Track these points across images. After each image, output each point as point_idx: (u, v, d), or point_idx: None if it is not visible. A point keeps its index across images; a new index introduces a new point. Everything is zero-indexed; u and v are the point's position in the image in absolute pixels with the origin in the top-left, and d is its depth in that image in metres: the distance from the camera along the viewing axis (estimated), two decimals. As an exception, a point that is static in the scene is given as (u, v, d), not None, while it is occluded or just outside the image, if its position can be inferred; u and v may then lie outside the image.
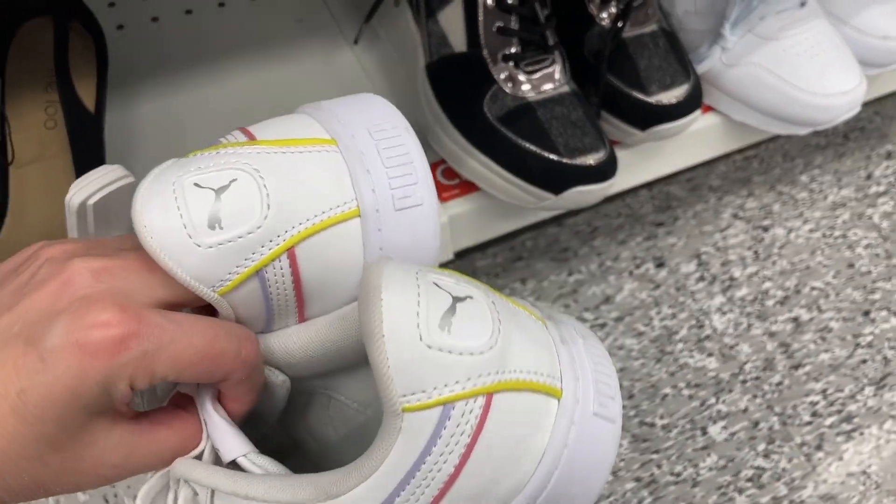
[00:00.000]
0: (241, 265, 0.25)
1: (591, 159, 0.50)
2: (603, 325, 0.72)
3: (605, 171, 0.51)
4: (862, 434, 0.67)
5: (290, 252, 0.26)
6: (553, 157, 0.50)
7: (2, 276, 0.27)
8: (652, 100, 0.55)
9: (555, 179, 0.50)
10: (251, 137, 0.27)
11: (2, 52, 0.51)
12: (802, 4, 0.60)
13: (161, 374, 0.25)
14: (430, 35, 0.54)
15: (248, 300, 0.26)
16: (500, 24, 0.52)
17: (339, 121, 0.28)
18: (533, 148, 0.50)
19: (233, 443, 0.27)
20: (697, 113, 0.57)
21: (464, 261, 0.75)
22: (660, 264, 0.76)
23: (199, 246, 0.25)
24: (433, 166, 0.58)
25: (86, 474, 0.26)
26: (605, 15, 0.56)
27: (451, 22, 0.53)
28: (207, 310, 0.27)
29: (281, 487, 0.25)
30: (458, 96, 0.53)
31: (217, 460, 0.27)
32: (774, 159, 0.85)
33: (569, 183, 0.50)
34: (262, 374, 0.28)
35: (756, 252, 0.77)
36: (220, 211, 0.25)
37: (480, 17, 0.52)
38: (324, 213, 0.26)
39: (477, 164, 0.53)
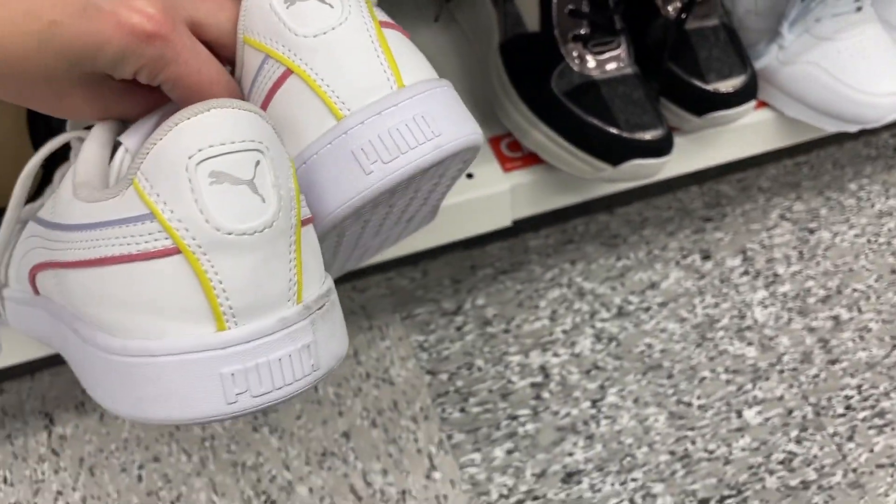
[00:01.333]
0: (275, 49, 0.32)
1: (648, 135, 0.54)
2: (647, 309, 0.75)
3: (662, 147, 0.55)
4: (893, 430, 0.69)
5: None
6: (613, 130, 0.54)
7: None
8: (710, 88, 0.59)
9: (614, 152, 0.54)
10: None
11: None
12: (859, 9, 0.63)
13: (161, 80, 0.29)
14: (506, 15, 0.59)
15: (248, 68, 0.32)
16: (571, 6, 0.56)
17: None
18: (595, 122, 0.54)
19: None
20: (752, 103, 0.60)
21: (518, 238, 0.79)
22: (706, 257, 0.79)
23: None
24: (497, 140, 0.63)
25: (66, 107, 0.30)
26: (670, 7, 0.60)
27: (527, 4, 0.57)
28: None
29: None
30: (528, 72, 0.58)
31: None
32: (824, 166, 0.87)
33: (626, 155, 0.54)
34: None
35: (801, 252, 0.80)
36: None
37: (554, 0, 0.56)
38: None
39: (541, 136, 0.57)
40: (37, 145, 0.52)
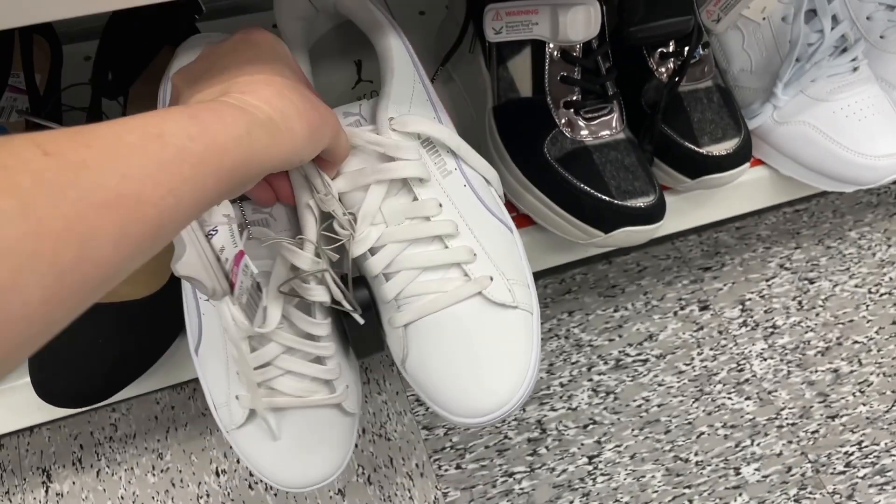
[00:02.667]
0: None
1: (640, 202, 0.54)
2: (645, 361, 0.75)
3: (654, 213, 0.55)
4: (895, 488, 0.68)
5: None
6: (605, 197, 0.54)
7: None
8: (703, 151, 0.59)
9: (605, 219, 0.54)
10: None
11: (133, 76, 0.57)
12: (855, 69, 0.63)
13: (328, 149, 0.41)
14: (500, 80, 0.59)
15: None
16: (563, 73, 0.56)
17: None
18: (587, 188, 0.55)
19: None
20: (746, 166, 0.60)
21: (515, 290, 0.79)
22: (704, 307, 0.79)
23: None
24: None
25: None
26: (662, 69, 0.61)
27: (520, 69, 0.58)
28: None
29: None
30: (520, 137, 0.58)
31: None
32: (825, 214, 0.87)
33: (618, 223, 0.54)
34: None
35: (800, 302, 0.79)
36: None
37: (546, 67, 0.56)
38: None
39: (534, 200, 0.57)
40: None
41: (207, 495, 0.65)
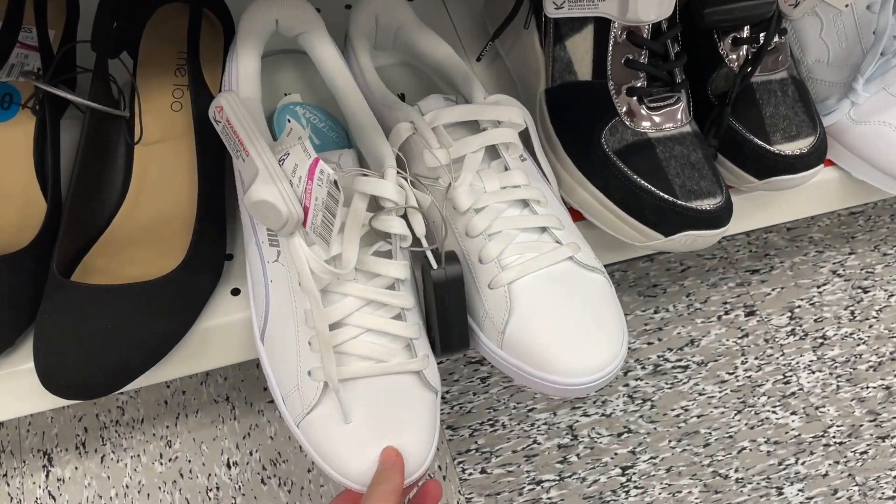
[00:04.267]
0: None
1: (706, 204, 0.50)
2: (685, 368, 0.70)
3: (720, 217, 0.50)
4: (948, 518, 0.64)
5: None
6: (668, 197, 0.49)
7: None
8: (774, 149, 0.54)
9: (667, 221, 0.50)
10: None
11: (137, 34, 0.53)
12: (945, 67, 0.57)
13: None
14: (555, 60, 0.54)
15: None
16: (629, 56, 0.51)
17: None
18: (648, 186, 0.50)
19: None
20: (820, 167, 0.55)
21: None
22: (750, 312, 0.74)
23: None
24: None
25: None
26: (734, 56, 0.55)
27: (579, 49, 0.52)
28: None
29: None
30: (575, 124, 0.53)
31: None
32: (882, 218, 0.82)
33: (681, 226, 0.49)
34: None
35: (853, 312, 0.75)
36: None
37: (610, 48, 0.51)
38: None
39: (587, 195, 0.52)
40: (44, 190, 0.49)
41: (217, 488, 0.61)
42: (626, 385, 0.69)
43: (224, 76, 0.50)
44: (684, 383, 0.70)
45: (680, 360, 0.71)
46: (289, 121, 0.44)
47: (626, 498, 0.64)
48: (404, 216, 0.43)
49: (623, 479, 0.65)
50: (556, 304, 0.44)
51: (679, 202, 0.49)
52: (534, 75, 0.56)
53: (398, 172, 0.42)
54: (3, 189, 0.49)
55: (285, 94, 0.52)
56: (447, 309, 0.43)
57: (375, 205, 0.42)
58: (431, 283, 0.42)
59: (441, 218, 0.44)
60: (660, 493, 0.64)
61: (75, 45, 0.54)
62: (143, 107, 0.52)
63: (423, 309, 0.45)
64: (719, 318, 0.73)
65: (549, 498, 0.63)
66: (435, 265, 0.43)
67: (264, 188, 0.39)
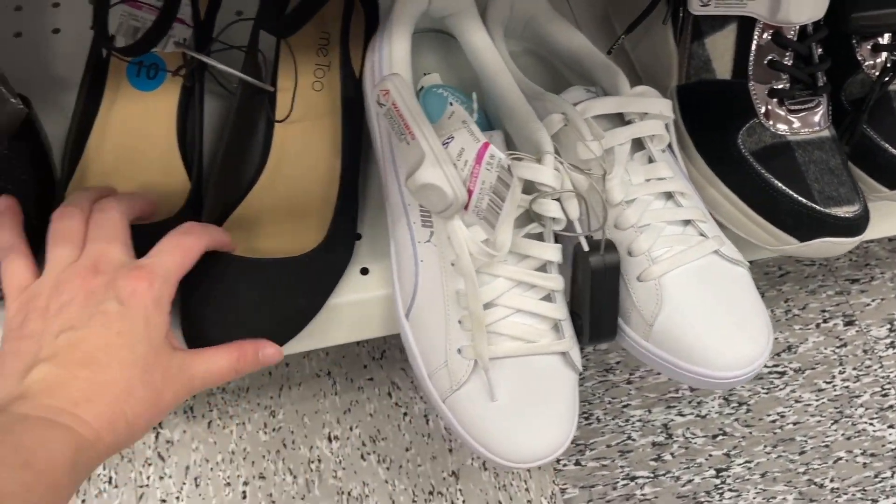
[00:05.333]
0: None
1: (845, 211, 0.49)
2: (782, 374, 0.70)
3: (858, 225, 0.49)
4: None
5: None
6: (807, 202, 0.49)
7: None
8: (910, 159, 0.53)
9: (804, 226, 0.49)
10: None
11: (308, 16, 0.53)
12: None
13: None
14: (692, 57, 0.53)
15: None
16: (772, 57, 0.50)
17: None
18: (786, 190, 0.49)
19: None
20: (957, 180, 0.54)
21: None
22: (849, 322, 0.73)
23: None
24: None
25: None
26: (872, 62, 0.54)
27: (720, 48, 0.52)
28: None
29: None
30: (710, 123, 0.52)
31: None
32: None
33: (818, 232, 0.49)
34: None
35: (955, 329, 0.73)
36: None
37: (753, 48, 0.50)
38: None
39: (717, 195, 0.52)
40: (186, 162, 0.50)
41: (319, 461, 0.62)
42: (722, 387, 0.69)
43: (370, 56, 0.50)
44: (781, 389, 0.69)
45: (777, 366, 0.70)
46: (451, 104, 0.45)
47: (720, 500, 0.64)
48: (557, 200, 0.43)
49: (717, 482, 0.64)
50: (707, 297, 0.44)
51: (818, 208, 0.49)
52: (665, 70, 0.56)
53: (555, 158, 0.42)
54: (147, 158, 0.50)
55: (424, 74, 0.52)
56: (601, 297, 0.43)
57: (526, 188, 0.43)
58: (588, 269, 0.42)
59: (602, 205, 0.44)
60: (754, 498, 0.64)
61: (237, 21, 0.54)
62: (282, 85, 0.53)
63: (570, 295, 0.45)
64: (818, 325, 0.73)
65: (643, 494, 0.63)
66: (585, 248, 0.43)
67: (431, 171, 0.40)
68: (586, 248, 0.43)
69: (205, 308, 0.43)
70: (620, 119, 0.48)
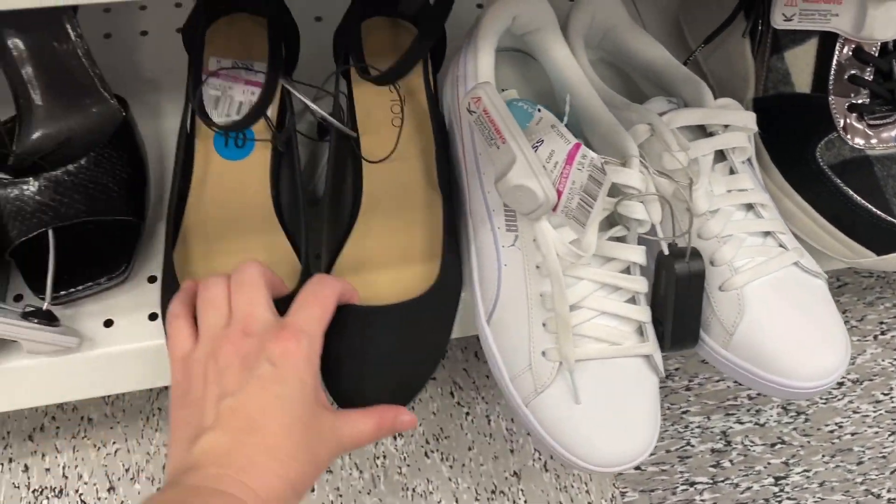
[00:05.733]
0: None
1: (923, 226, 0.49)
2: (840, 384, 0.70)
3: (936, 240, 0.50)
4: None
5: None
6: (886, 216, 0.49)
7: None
8: None
9: (881, 240, 0.50)
10: None
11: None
12: None
13: None
14: (770, 70, 0.54)
15: None
16: (853, 72, 0.51)
17: None
18: (865, 204, 0.50)
19: None
20: None
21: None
22: (907, 335, 0.73)
23: None
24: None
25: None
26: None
27: (799, 62, 0.53)
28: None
29: None
30: (787, 135, 0.53)
31: None
32: None
33: (895, 246, 0.49)
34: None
35: None
36: None
37: (834, 63, 0.51)
38: None
39: (793, 207, 0.53)
40: (280, 215, 0.50)
41: (384, 457, 0.64)
42: (780, 396, 0.69)
43: (453, 71, 0.51)
44: (839, 399, 0.69)
45: (835, 377, 0.71)
46: (539, 110, 0.46)
47: (779, 507, 0.64)
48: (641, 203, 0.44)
49: (776, 489, 0.65)
50: (787, 308, 0.45)
51: (896, 222, 0.49)
52: (741, 82, 0.57)
53: (641, 161, 0.43)
54: (246, 229, 0.49)
55: (501, 91, 0.53)
56: (685, 304, 0.44)
57: (610, 192, 0.43)
58: (673, 275, 0.43)
59: (688, 214, 0.45)
60: (812, 507, 0.64)
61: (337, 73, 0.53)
62: (364, 126, 0.52)
63: (651, 303, 0.46)
64: (875, 337, 0.73)
65: (702, 500, 0.64)
66: (666, 252, 0.44)
67: (522, 173, 0.41)
68: (666, 251, 0.44)
69: (346, 362, 0.43)
70: (701, 130, 0.49)
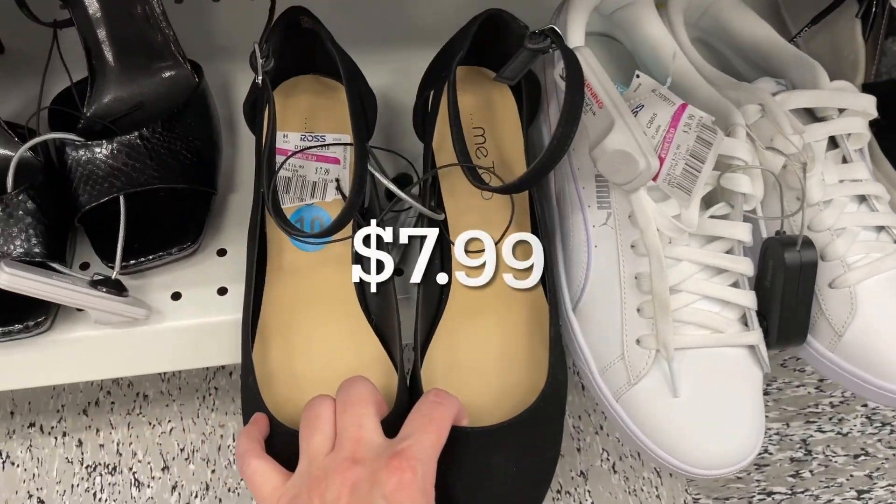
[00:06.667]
0: None
1: None
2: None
3: None
4: None
5: None
6: None
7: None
8: None
9: None
10: None
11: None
12: None
13: None
14: (884, 54, 0.50)
15: None
16: (980, 58, 0.47)
17: None
18: None
19: None
20: None
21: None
22: None
23: None
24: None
25: None
26: None
27: (919, 45, 0.49)
28: None
29: None
30: (900, 125, 0.49)
31: None
32: None
33: None
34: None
35: None
36: None
37: (959, 47, 0.47)
38: None
39: (905, 202, 0.49)
40: (365, 308, 0.43)
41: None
42: (865, 405, 0.65)
43: (550, 74, 0.48)
44: (925, 412, 0.65)
45: (923, 387, 0.66)
46: (637, 76, 0.42)
47: (863, 523, 0.60)
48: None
49: (858, 503, 0.61)
50: None
51: None
52: (848, 66, 0.53)
53: (747, 130, 0.40)
54: (331, 320, 0.43)
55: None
56: (795, 296, 0.41)
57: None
58: (783, 265, 0.40)
59: (800, 201, 0.41)
60: (898, 524, 0.61)
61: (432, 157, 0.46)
62: (452, 202, 0.45)
63: (756, 292, 0.42)
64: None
65: (780, 511, 0.61)
66: (766, 235, 0.41)
67: (621, 137, 0.37)
68: (767, 234, 0.41)
69: (460, 491, 0.38)
70: (810, 116, 0.45)
